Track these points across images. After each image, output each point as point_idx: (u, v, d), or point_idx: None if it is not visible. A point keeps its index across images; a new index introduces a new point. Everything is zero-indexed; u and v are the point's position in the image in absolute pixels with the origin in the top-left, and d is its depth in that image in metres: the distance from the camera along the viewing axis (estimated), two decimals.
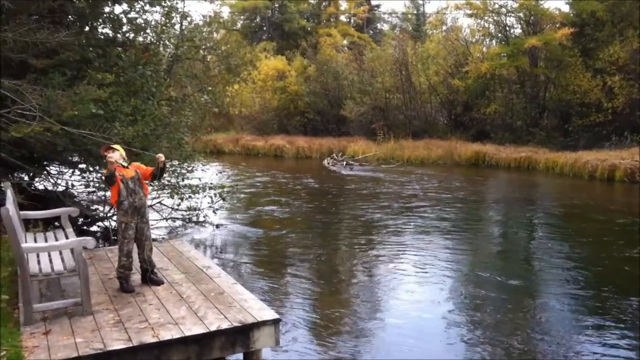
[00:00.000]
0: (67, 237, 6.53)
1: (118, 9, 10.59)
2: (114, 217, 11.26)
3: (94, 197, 12.27)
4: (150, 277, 6.49)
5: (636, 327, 6.95)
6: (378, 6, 61.83)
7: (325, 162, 27.69)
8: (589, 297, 8.20)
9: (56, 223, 8.26)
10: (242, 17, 52.68)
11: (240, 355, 5.55)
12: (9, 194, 6.86)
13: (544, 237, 12.61)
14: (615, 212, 14.74)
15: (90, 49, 9.46)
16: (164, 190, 12.06)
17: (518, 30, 31.97)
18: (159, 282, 6.48)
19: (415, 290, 8.56)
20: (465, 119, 31.88)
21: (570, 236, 12.49)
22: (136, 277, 6.58)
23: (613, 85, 25.81)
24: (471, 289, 8.64)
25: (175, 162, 11.55)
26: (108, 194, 11.45)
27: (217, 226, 12.57)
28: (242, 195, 17.39)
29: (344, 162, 26.64)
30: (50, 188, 11.77)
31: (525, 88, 29.94)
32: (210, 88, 13.89)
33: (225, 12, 48.62)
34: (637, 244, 11.30)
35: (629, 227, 13.07)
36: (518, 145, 27.10)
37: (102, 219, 11.61)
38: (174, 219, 12.42)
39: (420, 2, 61.72)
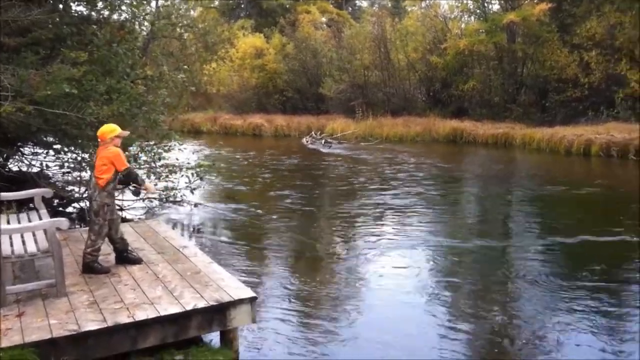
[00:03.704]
0: (40, 219, 6.44)
1: None
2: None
3: (69, 178, 12.11)
4: (127, 257, 6.45)
5: (609, 296, 7.08)
6: None
7: (304, 140, 27.62)
8: (566, 269, 8.31)
9: (31, 205, 8.15)
10: None
11: (217, 334, 5.56)
12: None
13: (521, 213, 12.77)
14: (592, 186, 14.91)
15: (64, 26, 9.28)
16: (141, 170, 11.95)
17: (496, 6, 31.98)
18: (136, 261, 6.45)
19: (395, 265, 8.57)
20: (444, 95, 31.94)
21: (548, 211, 12.63)
22: (111, 257, 6.54)
23: (590, 61, 25.95)
24: (451, 263, 8.76)
25: (152, 142, 11.44)
26: (84, 174, 11.39)
27: (195, 205, 12.50)
28: (221, 175, 17.31)
29: (323, 140, 26.59)
30: (24, 169, 11.61)
31: (503, 64, 30.01)
32: (186, 67, 13.75)
33: None
34: (614, 216, 11.50)
35: (606, 200, 13.27)
36: (496, 121, 27.26)
37: (77, 200, 11.49)
38: (150, 199, 12.31)
39: None
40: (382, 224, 11.23)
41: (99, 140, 6.30)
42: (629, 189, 14.39)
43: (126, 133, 6.56)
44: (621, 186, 15.07)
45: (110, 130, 6.26)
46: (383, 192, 14.37)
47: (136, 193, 6.76)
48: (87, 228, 6.55)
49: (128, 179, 6.27)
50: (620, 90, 24.78)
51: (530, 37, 28.74)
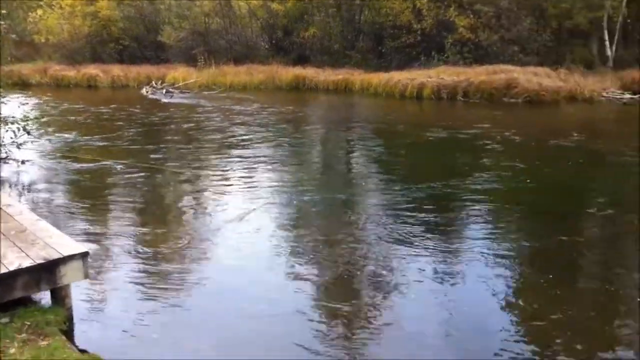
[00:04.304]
0: None
1: None
2: None
3: None
4: None
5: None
6: None
7: (143, 90, 26.61)
8: (408, 201, 8.80)
9: None
10: None
11: (48, 293, 5.30)
12: None
13: (360, 155, 13.30)
14: (423, 127, 15.82)
15: None
16: None
17: None
18: None
19: (239, 214, 8.44)
20: (286, 43, 32.08)
21: (385, 151, 13.28)
22: None
23: (422, 8, 27.21)
24: (296, 210, 8.87)
25: None
26: None
27: (22, 162, 11.63)
28: (52, 129, 16.22)
29: (164, 90, 25.79)
30: None
31: (341, 12, 30.59)
32: (4, 11, 12.60)
33: None
34: (445, 152, 12.51)
35: (437, 139, 14.19)
36: (336, 68, 27.92)
37: None
38: None
39: None
40: (229, 176, 10.95)
41: None
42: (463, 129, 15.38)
43: None
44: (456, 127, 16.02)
45: None
46: (227, 142, 14.26)
47: None
48: None
49: None
50: (450, 36, 26.28)
51: None
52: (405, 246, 7.01)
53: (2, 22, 12.26)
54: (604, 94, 21.28)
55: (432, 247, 6.96)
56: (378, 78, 24.18)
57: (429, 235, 7.38)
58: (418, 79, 22.48)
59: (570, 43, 27.00)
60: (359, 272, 6.35)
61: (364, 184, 10.59)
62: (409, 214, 8.26)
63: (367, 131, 15.96)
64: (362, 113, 20.28)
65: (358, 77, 25.63)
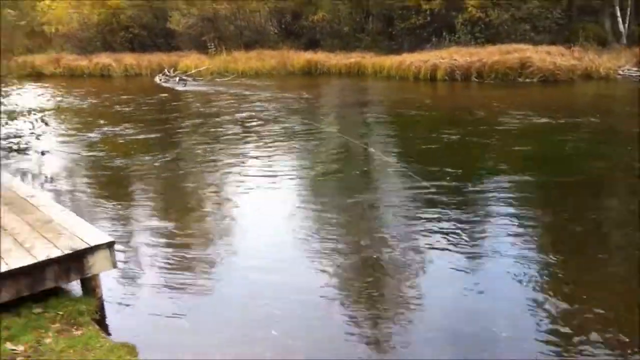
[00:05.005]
0: None
1: None
2: None
3: None
4: None
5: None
6: None
7: (157, 78, 26.64)
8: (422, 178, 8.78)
9: None
10: None
11: (78, 283, 5.35)
12: None
13: (380, 135, 13.24)
14: (440, 108, 15.75)
15: None
16: None
17: None
18: None
19: (262, 206, 8.37)
20: (295, 27, 31.94)
21: (405, 132, 13.22)
22: None
23: None
24: (315, 195, 8.89)
25: None
26: None
27: (43, 153, 11.71)
28: (69, 119, 16.28)
29: (177, 78, 25.78)
30: None
31: None
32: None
33: None
34: (459, 130, 12.44)
35: (452, 118, 14.13)
36: (347, 51, 27.80)
37: None
38: None
39: None
40: (250, 164, 10.78)
41: None
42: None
43: None
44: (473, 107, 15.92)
45: None
46: (247, 130, 14.15)
47: None
48: None
49: None
50: (460, 15, 26.04)
51: None
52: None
53: (10, 11, 12.27)
54: (620, 72, 21.04)
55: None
56: (390, 61, 24.06)
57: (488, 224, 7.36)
58: (431, 61, 22.33)
59: (582, 20, 26.71)
60: (389, 258, 6.35)
61: (382, 161, 10.55)
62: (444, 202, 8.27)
63: (386, 112, 15.92)
64: (377, 94, 20.19)
65: (370, 60, 25.52)
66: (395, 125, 14.35)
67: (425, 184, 8.74)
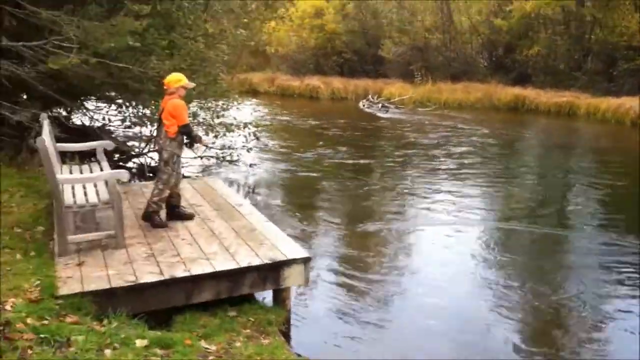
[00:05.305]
0: (102, 170, 6.54)
1: None
2: (149, 154, 11.35)
3: (130, 133, 12.32)
4: (178, 212, 6.44)
5: None
6: None
7: (360, 104, 27.31)
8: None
9: (92, 158, 8.31)
10: None
11: (270, 293, 5.58)
12: (46, 125, 6.90)
13: (583, 185, 12.34)
14: None
15: None
16: (200, 127, 12.02)
17: None
18: (188, 216, 6.45)
19: (448, 235, 8.41)
20: (507, 61, 30.99)
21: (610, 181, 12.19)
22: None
23: None
24: (510, 239, 8.58)
25: (211, 100, 11.47)
26: (144, 129, 11.56)
27: (251, 165, 12.55)
28: (276, 135, 17.30)
29: (380, 105, 26.24)
30: (87, 123, 11.88)
31: (570, 29, 28.80)
32: (246, 20, 13.59)
33: None
34: None
35: None
36: (559, 89, 26.26)
37: (137, 155, 11.68)
38: (208, 157, 12.37)
39: None
40: (440, 193, 10.91)
41: (164, 88, 6.24)
42: None
43: (192, 85, 6.48)
44: None
45: (176, 79, 6.18)
46: (442, 161, 14.07)
47: (190, 145, 6.84)
48: (145, 183, 6.60)
49: (184, 133, 6.20)
50: None
51: (601, 0, 27.39)
52: None
53: (242, 31, 13.24)
54: None
55: None
56: (607, 103, 22.32)
57: None
58: None
59: None
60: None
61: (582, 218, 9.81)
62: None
63: (596, 160, 14.81)
64: (590, 139, 18.87)
65: (584, 100, 23.86)
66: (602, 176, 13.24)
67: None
